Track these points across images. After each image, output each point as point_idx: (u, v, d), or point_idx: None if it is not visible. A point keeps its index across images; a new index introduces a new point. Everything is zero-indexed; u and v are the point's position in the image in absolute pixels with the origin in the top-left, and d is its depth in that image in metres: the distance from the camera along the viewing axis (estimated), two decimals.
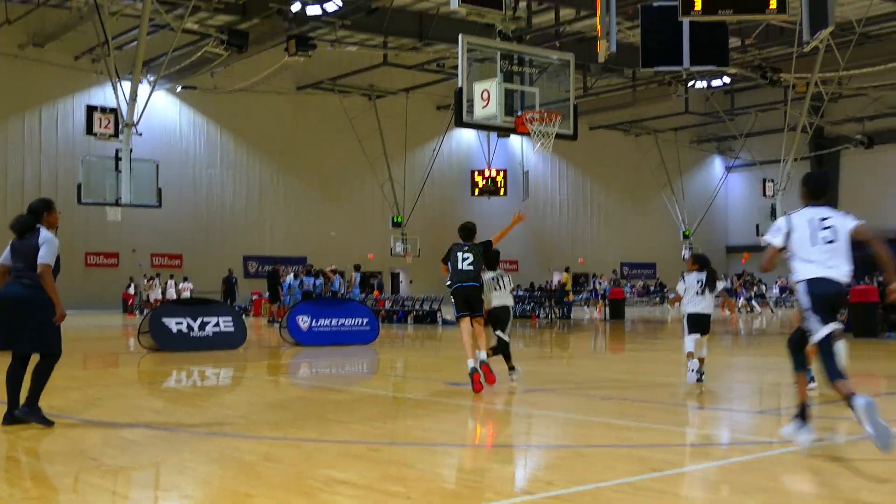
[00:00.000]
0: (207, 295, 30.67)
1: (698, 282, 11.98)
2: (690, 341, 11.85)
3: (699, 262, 12.23)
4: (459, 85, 15.16)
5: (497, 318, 12.51)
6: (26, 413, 8.64)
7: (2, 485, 6.41)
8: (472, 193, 46.88)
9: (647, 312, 43.38)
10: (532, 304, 37.59)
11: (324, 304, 22.74)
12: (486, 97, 14.92)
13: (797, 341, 7.61)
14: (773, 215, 36.95)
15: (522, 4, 32.76)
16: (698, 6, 13.49)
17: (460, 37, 15.28)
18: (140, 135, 25.48)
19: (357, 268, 32.51)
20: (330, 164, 48.61)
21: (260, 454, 7.42)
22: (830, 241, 7.28)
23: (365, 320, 21.55)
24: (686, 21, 14.91)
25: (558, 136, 15.42)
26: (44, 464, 7.35)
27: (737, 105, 55.52)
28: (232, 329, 19.51)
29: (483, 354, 11.54)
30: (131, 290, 40.96)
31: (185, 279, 40.55)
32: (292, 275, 32.78)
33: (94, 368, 16.16)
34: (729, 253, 62.96)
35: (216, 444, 7.95)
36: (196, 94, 42.76)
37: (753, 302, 43.33)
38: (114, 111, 26.31)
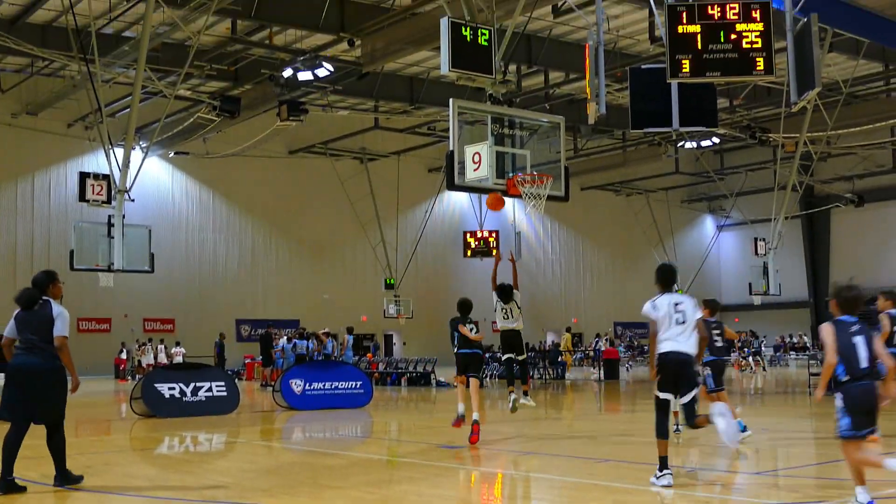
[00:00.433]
0: (200, 359, 30.50)
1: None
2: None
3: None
4: (451, 148, 15.22)
5: (510, 343, 13.74)
6: (65, 481, 8.96)
7: None
8: (465, 255, 46.90)
9: (642, 372, 43.22)
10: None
11: (317, 367, 22.64)
12: (478, 160, 14.97)
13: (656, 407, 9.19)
14: (766, 274, 36.94)
15: (512, 68, 33.34)
16: (686, 69, 13.59)
17: (451, 101, 15.37)
18: (133, 200, 25.50)
19: (349, 330, 32.42)
20: (322, 226, 48.67)
21: None
22: (682, 322, 8.99)
23: (358, 383, 21.45)
24: (674, 83, 15.03)
25: (550, 197, 15.45)
26: None
27: (727, 164, 55.85)
28: (225, 393, 19.42)
29: (476, 416, 12.57)
30: (123, 356, 40.79)
31: (178, 344, 40.37)
32: (285, 338, 32.70)
33: (86, 435, 16.03)
34: (722, 312, 63.05)
35: None
36: (188, 159, 42.92)
37: (749, 360, 43.25)
38: (106, 177, 26.34)
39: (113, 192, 25.49)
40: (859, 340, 7.21)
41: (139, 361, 39.34)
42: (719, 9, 13.59)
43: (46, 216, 41.59)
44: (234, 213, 47.20)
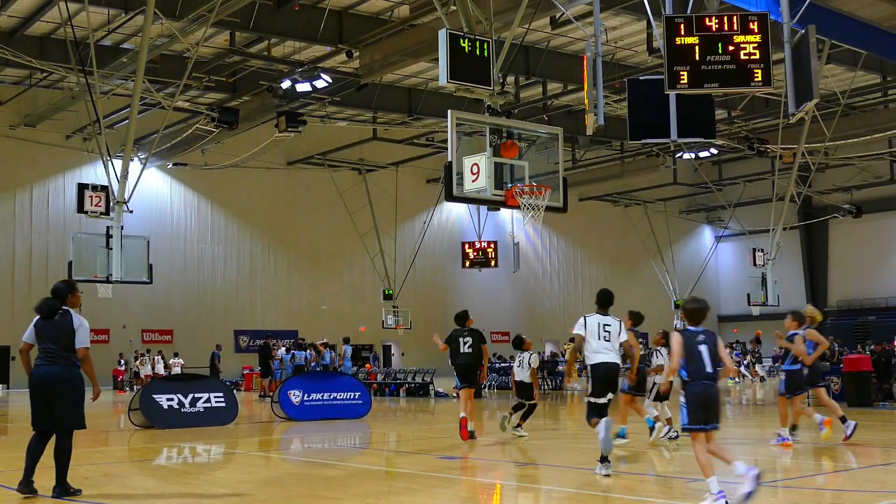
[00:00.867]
0: (198, 370, 30.45)
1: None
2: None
3: (665, 337, 13.55)
4: (449, 159, 15.24)
5: (522, 392, 14.88)
6: (63, 493, 9.02)
7: None
8: (463, 265, 46.87)
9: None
10: None
11: (315, 378, 22.61)
12: (476, 171, 14.99)
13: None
14: (764, 284, 36.96)
15: (510, 79, 33.40)
16: (684, 80, 13.62)
17: (449, 112, 15.39)
18: (131, 212, 25.50)
19: (346, 340, 32.36)
20: (320, 237, 48.67)
21: None
22: (608, 340, 10.42)
23: (357, 394, 21.44)
24: (672, 94, 15.07)
25: (548, 208, 15.47)
26: None
27: (725, 175, 55.93)
28: (223, 404, 19.39)
29: (471, 425, 14.26)
30: (121, 367, 40.74)
31: (176, 354, 40.35)
32: (284, 349, 32.67)
33: (84, 447, 15.96)
34: (721, 322, 62.91)
35: None
36: (187, 170, 42.92)
37: (744, 370, 43.28)
38: (105, 189, 26.36)
39: (111, 204, 25.51)
40: (703, 348, 8.06)
41: (137, 372, 39.30)
42: (717, 20, 13.63)
43: (45, 227, 41.58)
44: (233, 224, 47.19)
